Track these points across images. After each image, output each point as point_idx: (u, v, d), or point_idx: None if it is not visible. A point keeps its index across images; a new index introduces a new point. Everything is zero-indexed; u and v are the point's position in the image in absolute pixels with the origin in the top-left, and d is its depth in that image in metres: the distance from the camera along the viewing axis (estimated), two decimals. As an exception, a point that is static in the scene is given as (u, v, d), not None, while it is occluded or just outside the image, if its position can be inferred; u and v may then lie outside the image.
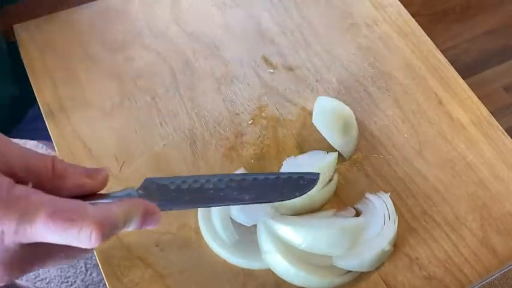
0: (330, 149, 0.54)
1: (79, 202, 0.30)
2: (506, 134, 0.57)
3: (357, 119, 0.56)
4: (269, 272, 0.47)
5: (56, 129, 0.54)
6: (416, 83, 0.60)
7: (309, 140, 0.56)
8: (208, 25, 0.63)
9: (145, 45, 0.61)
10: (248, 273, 0.48)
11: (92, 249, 0.31)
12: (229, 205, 0.47)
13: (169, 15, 0.64)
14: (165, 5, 0.64)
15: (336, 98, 0.57)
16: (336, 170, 0.52)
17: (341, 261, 0.46)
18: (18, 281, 1.17)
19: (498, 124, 0.58)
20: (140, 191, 0.35)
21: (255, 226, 0.48)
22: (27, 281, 1.23)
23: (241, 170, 0.52)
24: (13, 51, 0.61)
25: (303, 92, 0.59)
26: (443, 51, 0.63)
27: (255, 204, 0.49)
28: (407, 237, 0.50)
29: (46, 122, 0.55)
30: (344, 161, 0.54)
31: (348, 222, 0.49)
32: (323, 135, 0.54)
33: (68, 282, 1.28)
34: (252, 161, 0.54)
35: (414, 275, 0.48)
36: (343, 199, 0.52)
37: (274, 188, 0.39)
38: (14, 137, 0.76)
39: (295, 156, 0.53)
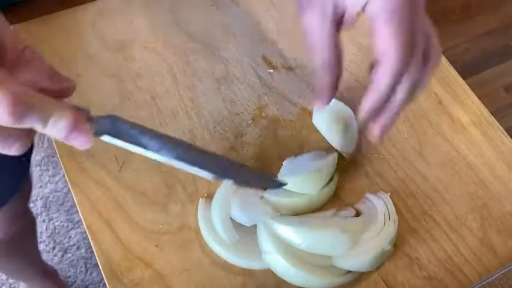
0: (330, 149, 0.54)
1: (4, 72, 0.28)
2: (506, 134, 0.57)
3: (357, 119, 0.56)
4: (269, 272, 0.47)
5: (56, 129, 0.54)
6: (416, 83, 0.60)
7: (309, 140, 0.56)
8: (208, 25, 0.63)
9: (145, 45, 0.61)
10: (248, 273, 0.48)
11: (19, 141, 0.30)
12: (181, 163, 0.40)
13: (169, 15, 0.64)
14: (165, 5, 0.64)
15: (336, 98, 0.57)
16: (336, 170, 0.52)
17: (341, 261, 0.46)
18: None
19: (498, 124, 0.58)
20: (94, 115, 0.33)
21: (255, 226, 0.48)
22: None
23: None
24: None
25: (303, 92, 0.59)
26: (443, 51, 0.63)
27: (255, 204, 0.49)
28: (407, 237, 0.50)
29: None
30: (344, 161, 0.54)
31: (348, 222, 0.49)
32: (323, 135, 0.54)
33: (68, 282, 1.28)
34: (252, 161, 0.54)
35: (414, 275, 0.48)
36: (343, 199, 0.52)
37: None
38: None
39: (294, 156, 0.53)
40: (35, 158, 1.38)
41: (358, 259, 0.46)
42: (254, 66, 0.61)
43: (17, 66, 0.30)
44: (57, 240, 1.31)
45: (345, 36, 0.64)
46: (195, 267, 0.48)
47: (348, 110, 0.56)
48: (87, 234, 0.49)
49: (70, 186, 0.51)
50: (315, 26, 0.41)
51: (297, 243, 0.46)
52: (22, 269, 1.06)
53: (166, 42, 0.61)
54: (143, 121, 0.56)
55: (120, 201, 0.50)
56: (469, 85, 0.60)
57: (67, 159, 0.52)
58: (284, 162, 0.53)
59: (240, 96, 0.58)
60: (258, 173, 0.50)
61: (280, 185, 0.47)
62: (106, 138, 0.34)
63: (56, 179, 1.37)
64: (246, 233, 0.48)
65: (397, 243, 0.50)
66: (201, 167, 0.38)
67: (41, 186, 1.36)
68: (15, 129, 0.29)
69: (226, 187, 0.50)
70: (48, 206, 1.34)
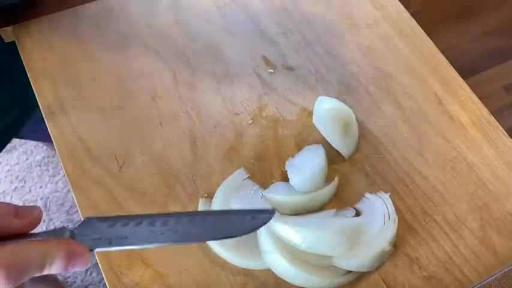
0: (330, 149, 0.54)
1: None
2: (506, 134, 0.57)
3: (357, 119, 0.56)
4: (269, 272, 0.47)
5: (56, 129, 0.54)
6: (416, 83, 0.60)
7: (309, 140, 0.55)
8: (208, 25, 0.63)
9: (145, 45, 0.61)
10: (248, 273, 0.48)
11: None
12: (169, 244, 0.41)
13: (169, 15, 0.64)
14: (165, 5, 0.64)
15: (336, 98, 0.57)
16: (336, 170, 0.52)
17: (341, 261, 0.46)
18: None
19: (498, 124, 0.58)
20: (75, 230, 0.34)
21: (255, 226, 0.48)
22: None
23: (241, 170, 0.52)
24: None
25: (303, 92, 0.59)
26: (443, 51, 0.63)
27: (255, 204, 0.49)
28: (407, 237, 0.50)
29: (46, 122, 0.55)
30: (344, 161, 0.54)
31: (348, 222, 0.49)
32: (323, 135, 0.54)
33: (67, 282, 1.28)
34: (252, 161, 0.54)
35: (414, 275, 0.48)
36: (343, 199, 0.52)
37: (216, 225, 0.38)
38: (16, 137, 0.76)
39: (292, 157, 0.53)
40: (35, 158, 1.38)
41: (358, 259, 0.46)
42: (254, 66, 0.61)
43: None
44: (57, 240, 1.31)
45: (345, 36, 0.64)
46: (195, 267, 0.48)
47: (348, 110, 0.56)
48: (87, 234, 0.49)
49: (70, 186, 0.51)
50: None
51: (297, 243, 0.46)
52: None
53: (166, 42, 0.61)
54: (143, 121, 0.56)
55: (120, 201, 0.50)
56: (469, 85, 0.60)
57: (67, 159, 0.52)
58: (287, 168, 0.52)
59: (240, 96, 0.58)
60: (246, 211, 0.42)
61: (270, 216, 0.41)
62: (100, 249, 0.34)
63: (56, 179, 1.37)
64: (246, 233, 0.48)
65: (397, 243, 0.50)
66: (196, 239, 0.38)
67: (41, 186, 1.36)
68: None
69: (226, 187, 0.50)
70: (48, 206, 1.34)
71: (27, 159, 1.38)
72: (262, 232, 0.47)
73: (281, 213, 0.49)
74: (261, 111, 0.57)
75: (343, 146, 0.53)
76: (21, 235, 0.32)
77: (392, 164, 0.54)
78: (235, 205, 0.48)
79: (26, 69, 0.58)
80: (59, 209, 1.34)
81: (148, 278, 0.47)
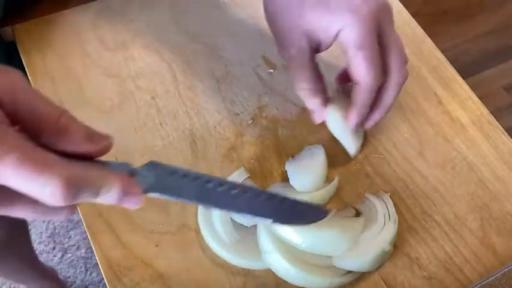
0: (330, 149, 0.54)
1: (53, 156, 0.28)
2: (506, 134, 0.57)
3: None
4: (269, 272, 0.47)
5: (56, 129, 0.54)
6: (416, 83, 0.60)
7: (309, 140, 0.55)
8: (208, 25, 0.63)
9: (145, 45, 0.61)
10: (248, 273, 0.48)
11: (66, 210, 0.30)
12: (224, 210, 0.43)
13: (169, 15, 0.64)
14: (165, 5, 0.64)
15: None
16: (336, 171, 0.52)
17: (341, 261, 0.46)
18: None
19: (498, 124, 0.58)
20: (138, 169, 0.34)
21: (255, 226, 0.48)
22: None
23: (241, 170, 0.52)
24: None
25: (303, 92, 0.59)
26: (443, 51, 0.63)
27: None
28: (407, 237, 0.50)
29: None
30: (344, 161, 0.54)
31: (348, 222, 0.49)
32: (336, 137, 0.52)
33: (67, 282, 1.28)
34: (252, 161, 0.54)
35: (414, 275, 0.48)
36: (343, 199, 0.52)
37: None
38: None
39: (292, 157, 0.53)
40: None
41: (358, 259, 0.46)
42: (254, 66, 0.61)
43: (56, 135, 0.30)
44: (57, 241, 1.31)
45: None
46: (195, 267, 0.48)
47: None
48: (87, 234, 0.49)
49: (70, 186, 0.51)
50: (295, 56, 0.47)
51: (297, 243, 0.46)
52: (20, 270, 1.05)
53: (166, 42, 0.61)
54: (143, 121, 0.56)
55: (120, 201, 0.50)
56: (469, 85, 0.60)
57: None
58: (287, 168, 0.52)
59: (240, 96, 0.58)
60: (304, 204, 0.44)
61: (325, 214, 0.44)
62: (153, 194, 0.34)
63: (56, 179, 1.37)
64: (246, 233, 0.48)
65: (397, 243, 0.50)
66: (257, 214, 0.38)
67: (41, 186, 1.36)
68: None
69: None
70: (48, 206, 1.34)
71: (27, 159, 1.38)
72: (262, 232, 0.47)
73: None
74: (261, 111, 0.57)
75: (357, 148, 0.53)
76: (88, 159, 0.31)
77: (393, 164, 0.54)
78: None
79: (26, 69, 0.58)
80: (59, 209, 1.34)
81: (148, 278, 0.47)
